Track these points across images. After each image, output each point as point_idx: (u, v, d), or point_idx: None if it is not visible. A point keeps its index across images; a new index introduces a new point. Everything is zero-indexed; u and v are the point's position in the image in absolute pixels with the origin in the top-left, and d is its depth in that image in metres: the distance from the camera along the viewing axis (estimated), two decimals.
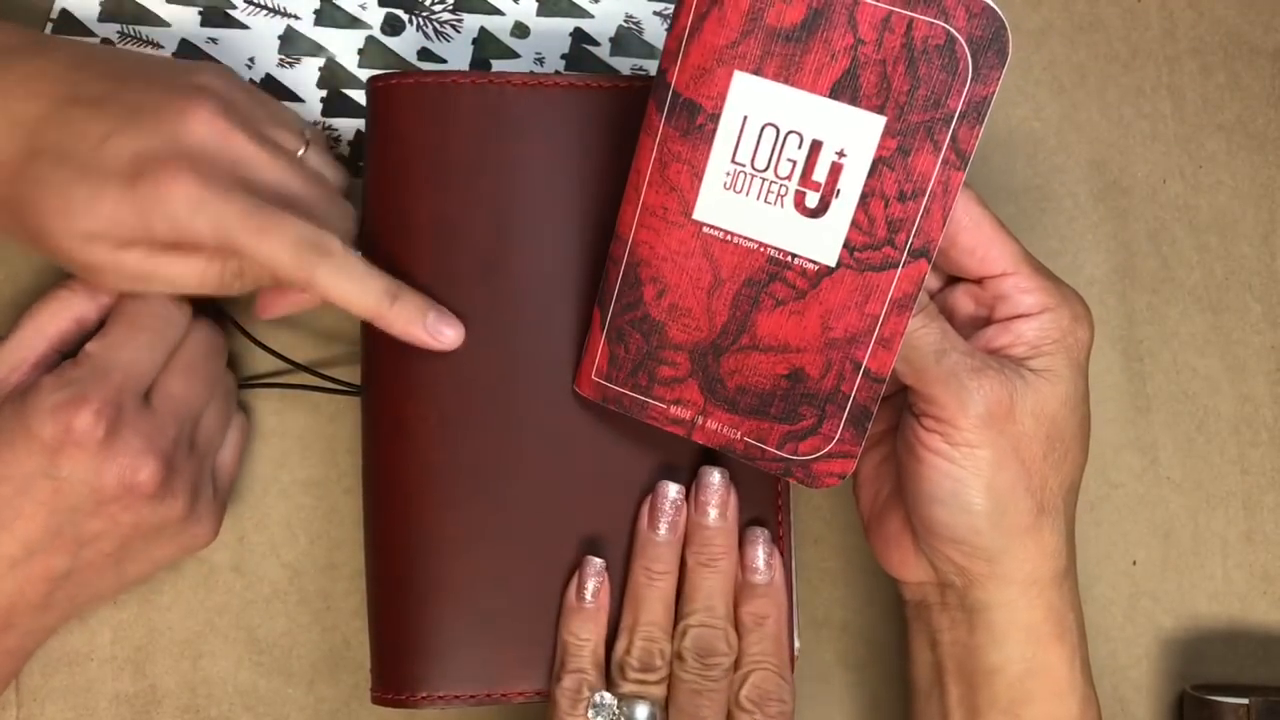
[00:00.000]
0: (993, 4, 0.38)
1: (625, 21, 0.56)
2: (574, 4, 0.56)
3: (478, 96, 0.47)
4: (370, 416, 0.49)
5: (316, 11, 0.54)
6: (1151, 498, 0.57)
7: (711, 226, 0.43)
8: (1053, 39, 0.59)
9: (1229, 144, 0.59)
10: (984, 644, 0.44)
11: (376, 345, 0.48)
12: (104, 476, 0.44)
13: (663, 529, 0.47)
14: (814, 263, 0.42)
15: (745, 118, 0.41)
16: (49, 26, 0.53)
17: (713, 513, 0.47)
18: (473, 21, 0.55)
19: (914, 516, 0.44)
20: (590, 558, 0.47)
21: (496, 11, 0.55)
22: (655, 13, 0.56)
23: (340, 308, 0.45)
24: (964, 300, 0.46)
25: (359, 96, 0.54)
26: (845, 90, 0.40)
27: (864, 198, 0.41)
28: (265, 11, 0.54)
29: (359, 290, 0.44)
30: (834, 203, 0.41)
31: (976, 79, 0.39)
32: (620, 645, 0.47)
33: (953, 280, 0.46)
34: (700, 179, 0.42)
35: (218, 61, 0.45)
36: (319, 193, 0.47)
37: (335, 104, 0.54)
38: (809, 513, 0.54)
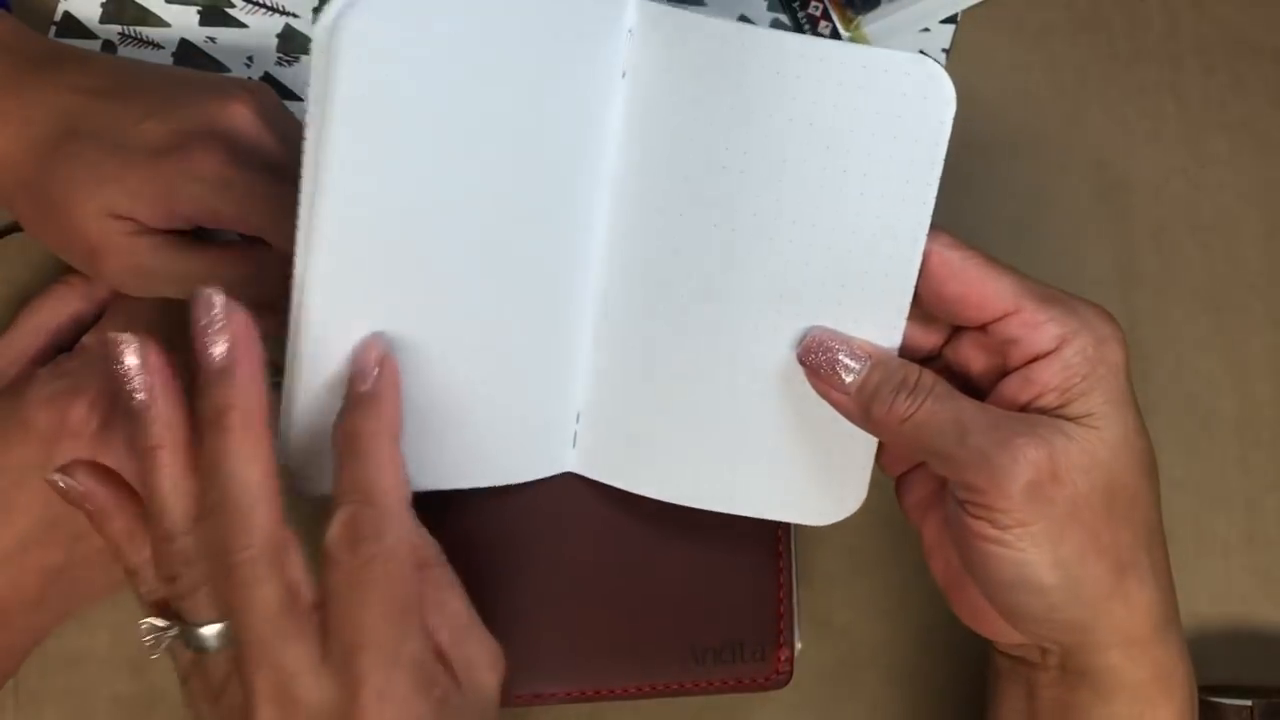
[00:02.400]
0: None
1: None
2: None
3: None
4: None
5: (315, 10, 0.54)
6: None
7: None
8: (1054, 38, 0.58)
9: (1232, 144, 0.59)
10: (1087, 702, 0.41)
11: None
12: None
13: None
14: None
15: None
16: (52, 30, 0.53)
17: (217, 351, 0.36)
18: None
19: (987, 599, 0.41)
20: None
21: None
22: None
23: None
24: (973, 353, 0.42)
25: None
26: None
27: None
28: (264, 10, 0.54)
29: None
30: None
31: None
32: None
33: (958, 329, 0.42)
34: None
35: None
36: None
37: None
38: None
